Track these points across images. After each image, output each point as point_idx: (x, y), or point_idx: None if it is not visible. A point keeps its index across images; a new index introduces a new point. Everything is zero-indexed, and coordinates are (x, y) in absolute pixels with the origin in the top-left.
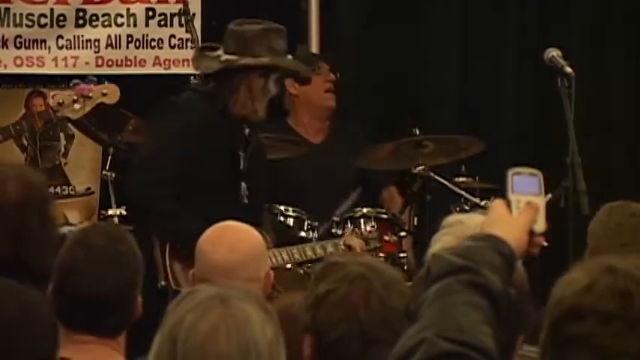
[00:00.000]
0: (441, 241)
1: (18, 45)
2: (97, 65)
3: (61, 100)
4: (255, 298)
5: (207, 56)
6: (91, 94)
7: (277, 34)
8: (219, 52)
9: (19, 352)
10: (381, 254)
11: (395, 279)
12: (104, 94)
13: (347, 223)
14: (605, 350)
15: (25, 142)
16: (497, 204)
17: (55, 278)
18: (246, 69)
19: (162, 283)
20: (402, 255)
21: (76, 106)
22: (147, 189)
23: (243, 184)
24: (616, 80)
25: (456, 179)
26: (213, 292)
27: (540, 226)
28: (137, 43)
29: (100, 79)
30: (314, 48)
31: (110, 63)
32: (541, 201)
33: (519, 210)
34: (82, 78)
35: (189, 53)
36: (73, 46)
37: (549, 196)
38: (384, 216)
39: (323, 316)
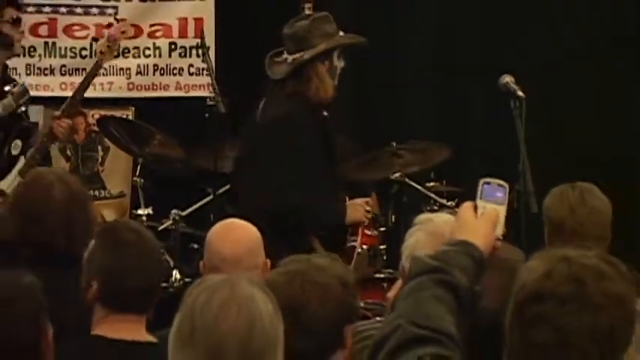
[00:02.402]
0: (414, 235)
1: (63, 72)
2: (129, 89)
3: (100, 50)
4: (256, 282)
5: (276, 62)
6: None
7: (324, 20)
8: (285, 55)
9: (14, 327)
10: (364, 245)
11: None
12: (123, 32)
13: None
14: (563, 328)
15: (69, 153)
16: (465, 209)
17: (104, 272)
18: (311, 60)
19: None
20: (381, 247)
21: (112, 50)
22: (292, 195)
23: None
24: (563, 102)
25: (427, 184)
26: (222, 278)
27: (499, 230)
28: (162, 71)
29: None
30: None
31: (139, 87)
32: (503, 209)
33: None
34: (116, 100)
35: (205, 79)
36: (108, 73)
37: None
38: (369, 215)
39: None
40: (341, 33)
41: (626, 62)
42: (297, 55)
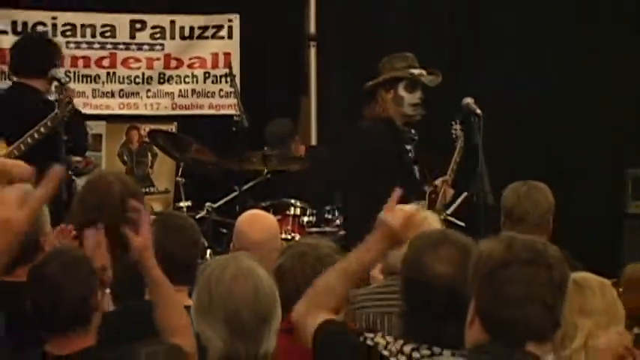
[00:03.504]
0: None
1: (121, 95)
2: (172, 109)
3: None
4: (254, 260)
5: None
6: None
7: (399, 58)
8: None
9: (66, 293)
10: None
11: (326, 252)
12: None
13: (336, 212)
14: (528, 283)
15: (126, 158)
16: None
17: (159, 249)
18: (373, 87)
19: None
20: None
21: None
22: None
23: (415, 167)
24: (512, 120)
25: None
26: (228, 257)
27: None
28: (198, 94)
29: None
30: (313, 100)
31: (181, 107)
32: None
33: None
34: (163, 117)
35: (232, 100)
36: (156, 96)
37: (465, 194)
38: None
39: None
40: (417, 71)
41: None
42: (371, 82)
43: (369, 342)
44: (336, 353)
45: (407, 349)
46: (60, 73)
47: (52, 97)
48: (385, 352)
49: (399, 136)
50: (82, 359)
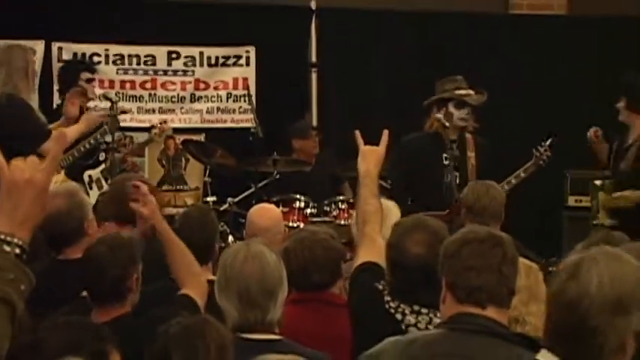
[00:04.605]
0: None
1: (160, 112)
2: (201, 122)
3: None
4: (264, 244)
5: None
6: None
7: (448, 81)
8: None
9: (107, 273)
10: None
11: (323, 237)
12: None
13: (332, 205)
14: (484, 254)
15: (164, 162)
16: None
17: (183, 236)
18: (428, 105)
19: None
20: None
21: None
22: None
23: (449, 174)
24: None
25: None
26: (242, 243)
27: None
28: (222, 111)
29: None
30: (314, 116)
31: (208, 121)
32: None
33: None
34: (194, 129)
35: (249, 116)
36: (188, 112)
37: None
38: (351, 200)
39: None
40: (464, 91)
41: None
42: (425, 102)
43: (380, 287)
44: (362, 291)
45: (394, 305)
46: (112, 94)
47: (103, 112)
48: (387, 298)
49: (439, 147)
50: (116, 324)
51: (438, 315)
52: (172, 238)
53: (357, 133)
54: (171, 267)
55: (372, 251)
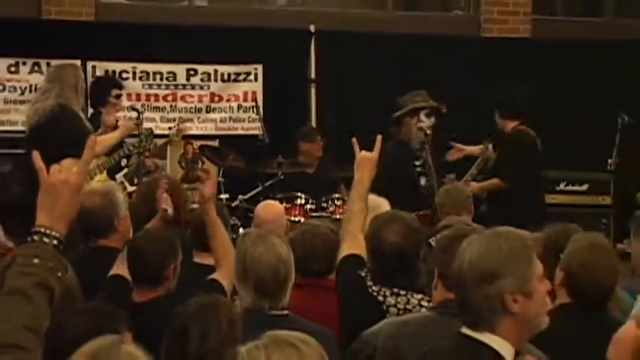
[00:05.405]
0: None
1: (180, 121)
2: (215, 130)
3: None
4: (276, 235)
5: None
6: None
7: (417, 94)
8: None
9: (147, 260)
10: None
11: (323, 231)
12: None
13: (329, 202)
14: (463, 239)
15: (183, 164)
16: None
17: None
18: (399, 116)
19: None
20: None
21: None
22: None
23: (421, 179)
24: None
25: None
26: (258, 235)
27: None
28: (234, 120)
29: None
30: (313, 125)
31: (221, 129)
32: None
33: None
34: (209, 136)
35: (257, 124)
36: (204, 121)
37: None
38: (345, 199)
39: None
40: (423, 103)
41: None
42: (396, 113)
43: (362, 274)
44: (347, 278)
45: (376, 288)
46: (138, 105)
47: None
48: (369, 283)
49: (409, 155)
50: (152, 303)
51: (415, 296)
52: (217, 222)
53: (355, 140)
54: (211, 248)
55: (354, 245)
